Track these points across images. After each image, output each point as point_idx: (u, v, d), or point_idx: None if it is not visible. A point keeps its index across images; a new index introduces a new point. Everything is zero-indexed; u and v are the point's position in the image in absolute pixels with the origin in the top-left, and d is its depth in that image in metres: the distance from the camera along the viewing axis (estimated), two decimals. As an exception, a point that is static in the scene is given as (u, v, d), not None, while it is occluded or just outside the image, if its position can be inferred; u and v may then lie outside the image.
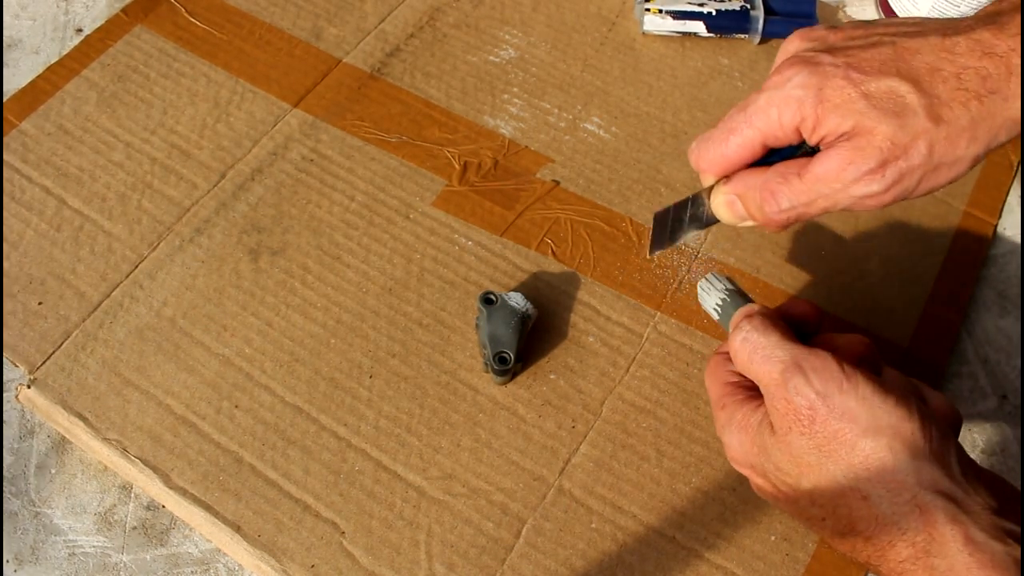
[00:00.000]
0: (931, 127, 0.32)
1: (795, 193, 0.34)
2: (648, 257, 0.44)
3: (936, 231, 0.51)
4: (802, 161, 0.34)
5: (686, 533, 0.42)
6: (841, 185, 0.33)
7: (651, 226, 0.40)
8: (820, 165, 0.33)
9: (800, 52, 0.35)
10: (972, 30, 0.33)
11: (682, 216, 0.39)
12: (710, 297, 0.41)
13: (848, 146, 0.33)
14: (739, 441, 0.37)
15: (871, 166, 0.32)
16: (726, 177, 0.37)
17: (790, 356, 0.34)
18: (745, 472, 0.38)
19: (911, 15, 0.57)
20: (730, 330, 0.38)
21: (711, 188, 0.37)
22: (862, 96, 0.32)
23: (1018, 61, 0.32)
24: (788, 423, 0.34)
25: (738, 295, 0.40)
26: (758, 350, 0.35)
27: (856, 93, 0.32)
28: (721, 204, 0.37)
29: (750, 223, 0.37)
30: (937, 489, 0.32)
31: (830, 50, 0.34)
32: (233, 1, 0.59)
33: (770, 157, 0.35)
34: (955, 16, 0.55)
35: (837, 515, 0.34)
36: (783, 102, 0.33)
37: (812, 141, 0.34)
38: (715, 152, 0.36)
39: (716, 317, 0.41)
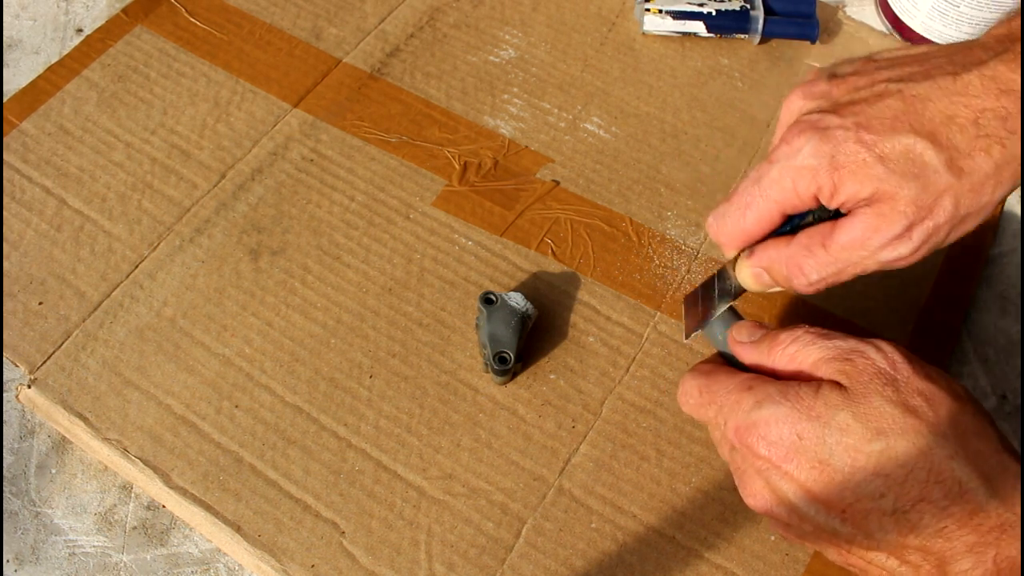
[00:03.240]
0: (954, 182, 0.31)
1: (822, 265, 0.33)
2: (685, 341, 0.44)
3: (936, 231, 0.51)
4: (825, 230, 0.33)
5: (686, 533, 0.42)
6: (868, 252, 0.32)
7: (682, 310, 0.39)
8: (844, 234, 0.32)
9: (805, 115, 0.33)
10: (984, 64, 0.31)
11: (711, 293, 0.39)
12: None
13: (871, 212, 0.31)
14: (783, 413, 0.32)
15: (897, 232, 0.31)
16: (749, 249, 0.36)
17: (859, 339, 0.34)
18: (772, 457, 0.33)
19: (910, 14, 0.57)
20: (748, 340, 0.37)
21: (735, 260, 0.37)
22: (878, 160, 0.31)
23: None
24: (865, 381, 0.32)
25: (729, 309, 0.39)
26: (820, 338, 0.34)
27: (871, 157, 0.31)
28: (748, 277, 0.36)
29: (779, 289, 0.36)
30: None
31: (836, 109, 0.33)
32: (233, 1, 0.59)
33: (789, 221, 0.35)
34: (954, 15, 0.55)
35: (904, 488, 0.31)
36: (797, 173, 0.32)
37: (832, 207, 0.33)
38: (734, 227, 0.35)
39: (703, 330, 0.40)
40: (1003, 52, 0.31)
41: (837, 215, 0.33)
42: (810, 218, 0.35)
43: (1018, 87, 0.30)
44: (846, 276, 0.34)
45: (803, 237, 0.34)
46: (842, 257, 0.33)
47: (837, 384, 0.33)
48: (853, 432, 0.31)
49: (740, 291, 0.38)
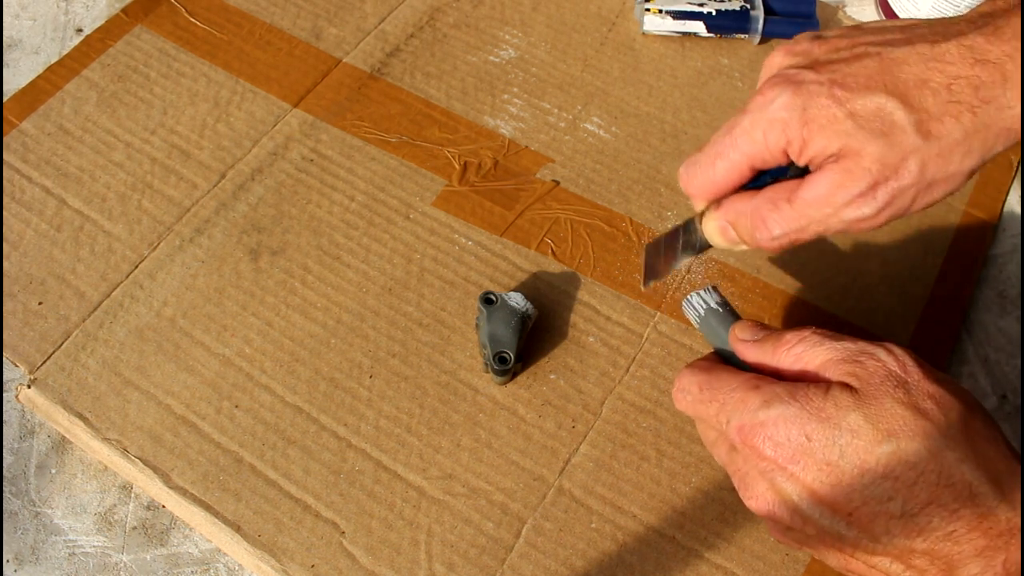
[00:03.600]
0: (921, 144, 0.31)
1: (786, 220, 0.33)
2: (643, 289, 0.44)
3: (936, 231, 0.51)
4: (791, 185, 0.33)
5: (686, 533, 0.42)
6: (832, 209, 0.32)
7: (643, 257, 0.39)
8: (809, 190, 0.32)
9: (783, 69, 0.33)
10: (963, 35, 0.31)
11: (675, 244, 0.38)
12: (695, 308, 0.40)
13: (837, 168, 0.31)
14: (792, 413, 0.32)
15: (861, 189, 0.31)
16: (717, 202, 0.36)
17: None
18: (774, 453, 0.33)
19: (911, 15, 0.57)
20: (751, 339, 0.37)
21: (702, 214, 0.37)
22: (848, 115, 0.31)
23: (1013, 67, 0.30)
24: (876, 383, 0.32)
25: (725, 306, 0.39)
26: (828, 339, 0.34)
27: (842, 112, 0.31)
28: (714, 230, 0.36)
29: (744, 247, 0.36)
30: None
31: (814, 66, 0.32)
32: (233, 1, 0.59)
33: (760, 178, 0.35)
34: (954, 15, 0.55)
35: (914, 491, 0.30)
36: (768, 124, 0.32)
37: (800, 162, 0.33)
38: (703, 177, 0.35)
39: (696, 323, 0.40)
40: (983, 26, 0.31)
41: (806, 174, 0.33)
42: (782, 176, 0.34)
43: (992, 57, 0.30)
44: (809, 234, 0.33)
45: (769, 191, 0.34)
46: (806, 213, 0.33)
47: (847, 386, 0.32)
48: (863, 434, 0.31)
49: (705, 246, 0.37)
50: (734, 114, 0.34)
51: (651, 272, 0.39)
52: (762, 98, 0.33)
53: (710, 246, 0.37)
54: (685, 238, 0.38)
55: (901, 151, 0.31)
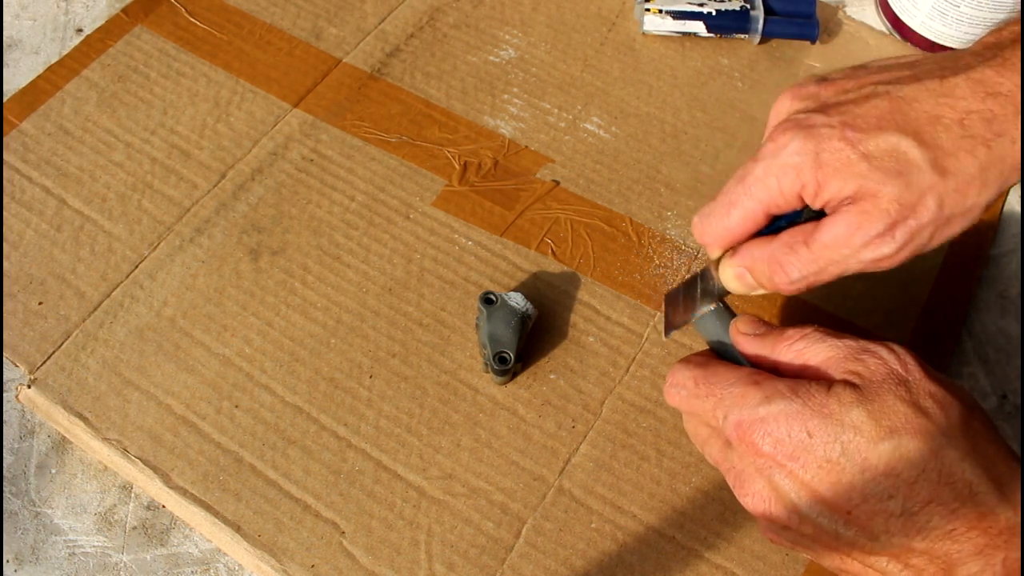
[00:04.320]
0: (938, 181, 0.30)
1: (804, 263, 0.33)
2: (664, 339, 0.44)
3: (936, 231, 0.51)
4: (808, 228, 0.33)
5: (686, 533, 0.42)
6: (850, 251, 0.32)
7: (663, 308, 0.39)
8: (827, 233, 0.32)
9: (792, 114, 0.33)
10: (972, 68, 0.31)
11: (693, 293, 0.38)
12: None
13: (854, 211, 0.31)
14: (795, 409, 0.32)
15: (879, 230, 0.31)
16: (732, 249, 0.36)
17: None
18: (773, 444, 0.32)
19: (911, 15, 0.57)
20: (752, 333, 0.37)
21: (718, 260, 0.37)
22: (862, 157, 0.31)
23: None
24: (878, 381, 0.32)
25: (721, 301, 0.39)
26: (830, 337, 0.34)
27: (855, 155, 0.31)
28: (731, 277, 0.36)
29: (762, 291, 0.36)
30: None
31: (823, 109, 0.32)
32: (233, 1, 0.59)
33: (774, 223, 0.35)
34: (954, 15, 0.55)
35: (914, 489, 0.30)
36: (781, 171, 0.32)
37: (816, 206, 0.33)
38: (718, 226, 0.35)
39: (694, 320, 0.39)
40: (992, 58, 0.31)
41: (822, 216, 0.33)
42: (796, 220, 0.34)
43: (1004, 90, 0.30)
44: (828, 276, 0.33)
45: (786, 235, 0.34)
46: (824, 256, 0.33)
47: (849, 383, 0.32)
48: (866, 431, 0.31)
49: (723, 292, 0.37)
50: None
51: (671, 323, 0.39)
52: (774, 144, 0.33)
53: (728, 292, 0.37)
54: (703, 286, 0.38)
55: (918, 189, 0.31)
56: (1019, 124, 0.30)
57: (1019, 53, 0.31)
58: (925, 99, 0.31)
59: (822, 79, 0.34)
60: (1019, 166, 0.31)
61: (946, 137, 0.31)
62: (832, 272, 0.33)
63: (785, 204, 0.33)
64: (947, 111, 0.31)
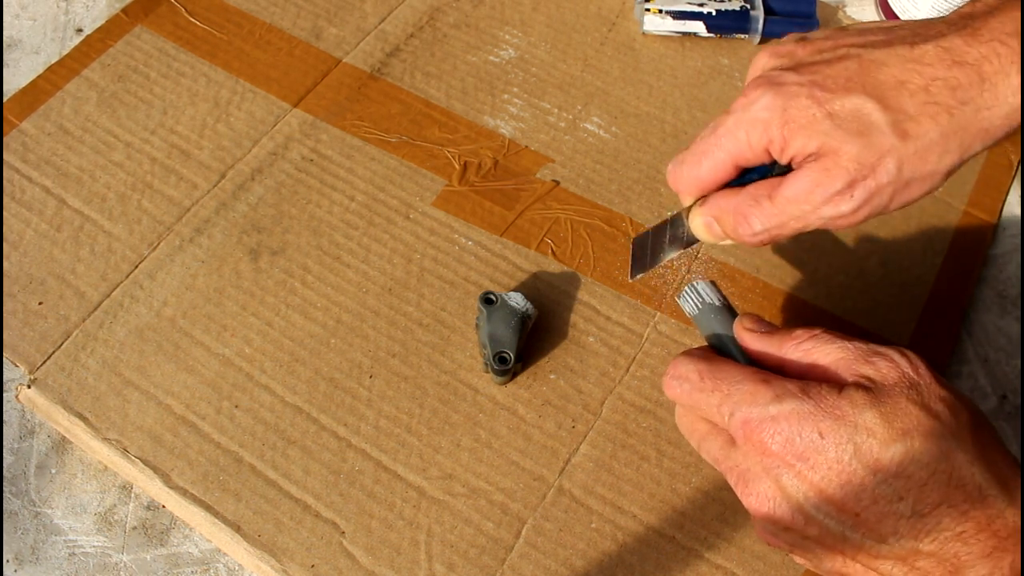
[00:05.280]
0: (898, 144, 0.31)
1: (766, 216, 0.34)
2: (630, 280, 0.44)
3: (936, 231, 0.51)
4: (773, 183, 0.34)
5: (686, 533, 0.42)
6: (811, 207, 0.33)
7: (631, 251, 0.40)
8: (789, 187, 0.33)
9: (767, 71, 0.34)
10: (942, 36, 0.32)
11: (662, 238, 0.39)
12: (694, 297, 0.40)
13: (815, 167, 0.32)
14: (807, 410, 0.32)
15: (838, 187, 0.32)
16: (703, 198, 0.37)
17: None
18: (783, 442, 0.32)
19: (910, 15, 0.57)
20: (757, 330, 0.36)
21: (689, 209, 0.38)
22: (827, 116, 0.32)
23: (990, 69, 0.31)
24: (890, 384, 0.32)
25: (724, 299, 0.39)
26: (840, 339, 0.34)
27: (821, 113, 0.32)
28: (699, 225, 0.37)
29: (729, 242, 0.37)
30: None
31: (797, 67, 0.33)
32: (233, 1, 0.59)
33: (746, 176, 0.36)
34: (935, 17, 0.55)
35: (924, 491, 0.30)
36: (750, 124, 0.33)
37: (782, 161, 0.34)
38: (689, 174, 0.36)
39: (695, 312, 0.39)
40: (962, 28, 0.32)
41: (788, 171, 0.34)
42: (767, 174, 0.35)
43: (970, 59, 0.31)
44: (789, 230, 0.34)
45: (751, 188, 0.35)
46: (786, 210, 0.33)
47: (861, 386, 0.32)
48: (878, 432, 0.31)
49: (691, 240, 0.38)
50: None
51: (638, 264, 0.40)
52: (745, 99, 0.34)
53: (696, 240, 0.38)
54: (672, 232, 0.39)
55: (878, 150, 0.32)
56: (984, 93, 0.31)
57: (990, 24, 0.31)
58: (894, 63, 0.32)
59: (801, 38, 0.35)
60: (981, 135, 0.32)
61: (910, 102, 0.31)
62: (793, 227, 0.34)
63: (753, 157, 0.34)
64: (914, 76, 0.32)
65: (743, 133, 0.34)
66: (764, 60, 0.36)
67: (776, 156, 0.34)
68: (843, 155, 0.32)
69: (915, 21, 0.34)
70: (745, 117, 0.33)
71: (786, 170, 0.34)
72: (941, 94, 0.31)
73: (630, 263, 0.40)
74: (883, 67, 0.32)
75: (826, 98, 0.32)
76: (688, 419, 0.37)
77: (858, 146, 0.31)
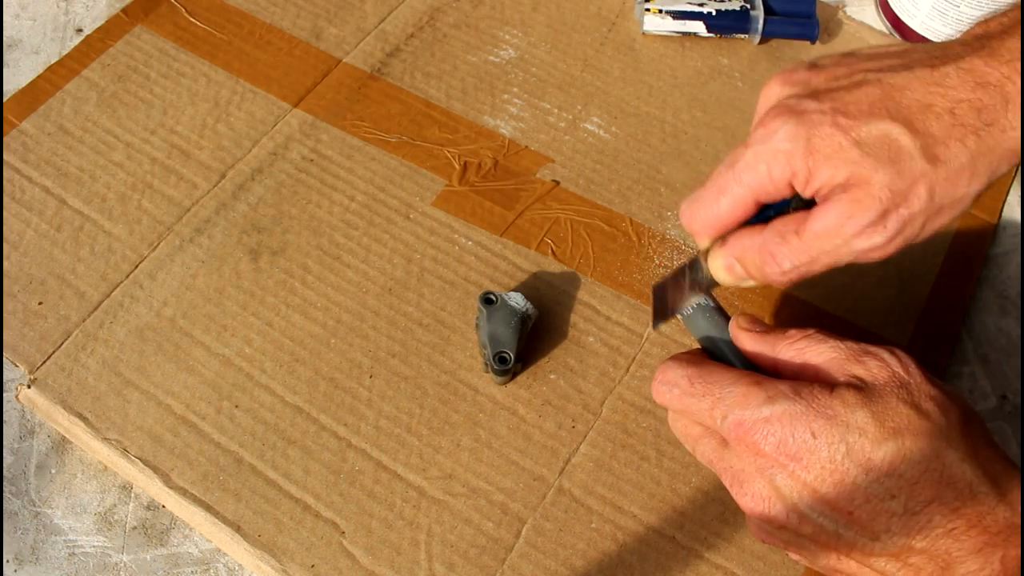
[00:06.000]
0: (929, 169, 0.30)
1: (795, 253, 0.33)
2: (652, 331, 0.43)
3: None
4: (799, 217, 0.33)
5: (686, 533, 0.42)
6: (842, 240, 0.32)
7: (651, 298, 0.39)
8: (818, 221, 0.32)
9: (783, 100, 0.33)
10: (961, 58, 0.31)
11: (681, 284, 0.38)
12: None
13: (845, 199, 0.31)
14: (799, 410, 0.32)
15: (871, 218, 0.31)
16: (722, 239, 0.35)
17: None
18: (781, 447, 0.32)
19: (911, 15, 0.57)
20: (752, 330, 0.36)
21: (707, 251, 0.36)
22: (853, 144, 0.30)
23: (1013, 89, 0.30)
24: (881, 383, 0.32)
25: (715, 301, 0.39)
26: (833, 338, 0.34)
27: (847, 141, 0.31)
28: (720, 268, 0.35)
29: (752, 283, 0.35)
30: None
31: (814, 95, 0.32)
32: (233, 1, 0.59)
33: (763, 213, 0.34)
34: (954, 16, 0.55)
35: (916, 489, 0.31)
36: (771, 157, 0.32)
37: (807, 194, 0.32)
38: (707, 214, 0.34)
39: (687, 314, 0.39)
40: (980, 48, 0.31)
41: (811, 206, 0.33)
42: (786, 209, 0.34)
43: (993, 79, 0.30)
44: (820, 267, 0.33)
45: (776, 225, 0.33)
46: (816, 245, 0.32)
47: (853, 386, 0.32)
48: (869, 432, 0.31)
49: (712, 284, 0.36)
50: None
51: (659, 314, 0.39)
52: (764, 130, 0.32)
53: (717, 284, 0.36)
54: (692, 277, 0.37)
55: (910, 177, 0.30)
56: (1008, 114, 0.30)
57: (1008, 44, 0.31)
58: (916, 87, 0.31)
59: (813, 65, 0.34)
60: (1008, 155, 0.31)
61: (937, 125, 0.30)
62: (824, 262, 0.33)
63: (775, 191, 0.33)
64: (938, 100, 0.31)
65: (764, 166, 0.32)
66: (777, 89, 0.34)
67: (800, 189, 0.32)
68: (874, 184, 0.30)
69: (928, 44, 0.33)
70: (765, 149, 0.32)
71: (805, 204, 0.33)
72: (967, 116, 0.30)
73: (652, 312, 0.39)
74: (906, 91, 0.31)
75: (851, 125, 0.31)
76: (681, 423, 0.37)
77: (890, 174, 0.30)
